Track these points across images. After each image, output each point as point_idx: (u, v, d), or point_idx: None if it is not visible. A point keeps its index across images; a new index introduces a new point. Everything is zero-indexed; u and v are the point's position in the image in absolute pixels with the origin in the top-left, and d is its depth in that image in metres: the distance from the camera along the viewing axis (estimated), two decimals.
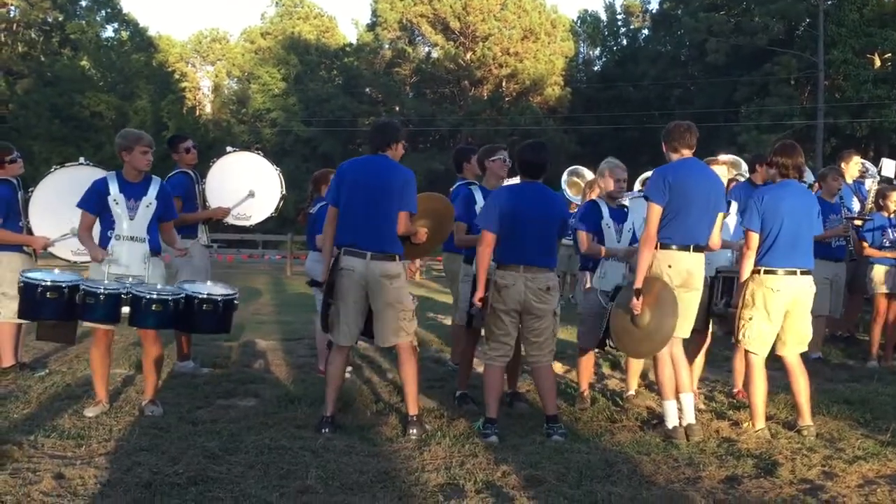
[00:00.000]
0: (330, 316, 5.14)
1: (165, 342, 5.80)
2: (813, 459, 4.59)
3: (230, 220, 7.06)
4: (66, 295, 5.12)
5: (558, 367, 7.11)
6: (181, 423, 5.11)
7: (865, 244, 7.84)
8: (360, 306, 5.07)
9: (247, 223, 7.21)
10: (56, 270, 5.43)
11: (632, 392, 6.19)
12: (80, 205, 5.32)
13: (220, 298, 5.37)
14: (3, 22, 38.50)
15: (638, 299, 5.01)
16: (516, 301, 5.07)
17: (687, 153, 5.17)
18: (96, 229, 5.39)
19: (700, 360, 6.09)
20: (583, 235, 5.84)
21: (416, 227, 5.23)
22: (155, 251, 5.38)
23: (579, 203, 8.84)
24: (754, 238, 5.21)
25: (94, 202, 5.29)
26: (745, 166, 8.68)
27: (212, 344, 8.08)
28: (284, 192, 7.26)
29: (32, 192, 6.48)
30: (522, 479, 4.14)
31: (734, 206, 6.24)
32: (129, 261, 5.25)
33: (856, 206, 8.61)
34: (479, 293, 5.13)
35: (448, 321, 9.26)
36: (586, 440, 4.98)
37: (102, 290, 5.01)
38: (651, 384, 6.55)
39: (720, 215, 5.27)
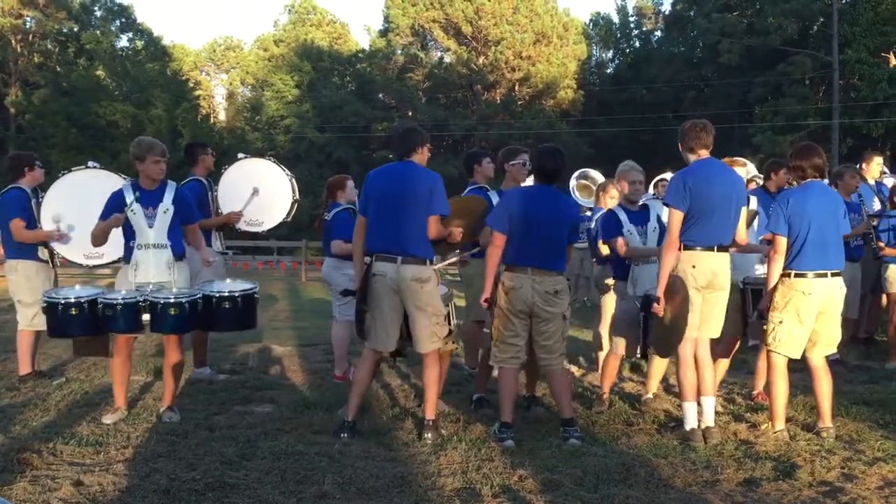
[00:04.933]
0: (366, 323, 5.15)
1: (184, 349, 5.82)
2: (832, 461, 4.56)
3: (242, 226, 7.06)
4: (88, 309, 5.16)
5: (574, 371, 7.09)
6: (198, 429, 5.13)
7: (882, 243, 7.77)
8: (396, 312, 5.09)
9: (259, 229, 7.21)
10: (77, 286, 5.47)
11: (650, 395, 6.15)
12: (102, 217, 5.37)
13: (238, 294, 5.37)
14: (19, 33, 38.83)
15: (660, 304, 4.98)
16: (523, 303, 5.04)
17: (704, 153, 5.11)
18: (119, 241, 5.43)
19: (725, 363, 6.04)
20: (620, 242, 5.76)
21: (450, 228, 5.23)
22: (179, 256, 5.40)
23: (592, 207, 8.80)
24: (782, 242, 5.14)
25: (113, 212, 5.32)
26: (753, 170, 8.53)
27: (228, 350, 8.12)
28: (297, 198, 7.26)
29: (43, 196, 6.52)
30: (539, 484, 4.13)
31: (753, 200, 6.17)
32: (155, 268, 5.28)
33: (876, 205, 8.52)
34: (486, 293, 5.13)
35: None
36: (603, 444, 4.96)
37: (120, 301, 5.05)
38: (669, 387, 6.52)
39: (743, 209, 5.20)
